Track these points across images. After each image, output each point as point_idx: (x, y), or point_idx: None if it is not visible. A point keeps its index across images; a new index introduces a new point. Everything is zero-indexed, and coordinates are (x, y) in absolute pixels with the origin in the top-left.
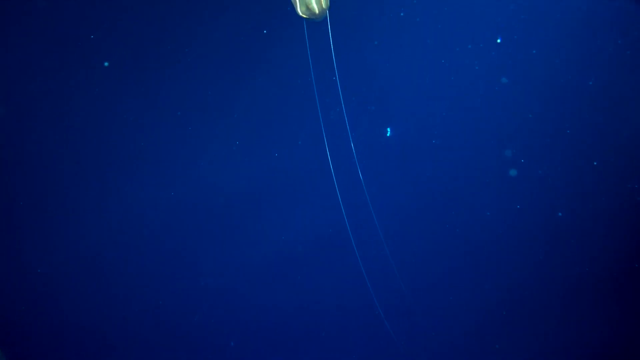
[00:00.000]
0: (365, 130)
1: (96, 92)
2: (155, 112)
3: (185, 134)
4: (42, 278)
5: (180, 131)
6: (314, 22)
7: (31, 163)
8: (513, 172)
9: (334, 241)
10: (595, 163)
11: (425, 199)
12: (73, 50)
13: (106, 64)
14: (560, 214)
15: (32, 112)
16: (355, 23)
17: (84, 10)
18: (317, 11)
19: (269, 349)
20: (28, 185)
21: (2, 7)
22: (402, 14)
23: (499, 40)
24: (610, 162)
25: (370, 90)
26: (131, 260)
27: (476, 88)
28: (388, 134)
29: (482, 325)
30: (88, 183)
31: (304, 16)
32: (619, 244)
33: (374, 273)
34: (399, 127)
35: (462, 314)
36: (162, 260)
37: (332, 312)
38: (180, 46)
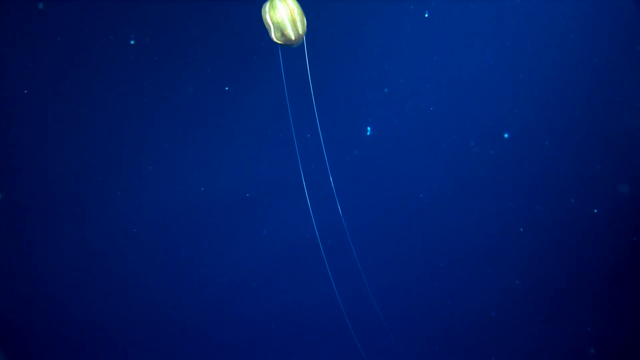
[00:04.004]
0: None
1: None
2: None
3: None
4: (43, 278)
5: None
6: (290, 49)
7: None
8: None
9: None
10: (595, 211)
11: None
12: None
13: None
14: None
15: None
16: (333, 48)
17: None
18: (293, 37)
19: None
20: (26, 188)
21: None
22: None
23: (506, 136)
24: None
25: (347, 113)
26: (126, 263)
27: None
28: (368, 133)
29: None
30: (87, 183)
31: (279, 42)
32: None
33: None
34: (384, 178)
35: (442, 320)
36: (157, 263)
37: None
38: (167, 60)
